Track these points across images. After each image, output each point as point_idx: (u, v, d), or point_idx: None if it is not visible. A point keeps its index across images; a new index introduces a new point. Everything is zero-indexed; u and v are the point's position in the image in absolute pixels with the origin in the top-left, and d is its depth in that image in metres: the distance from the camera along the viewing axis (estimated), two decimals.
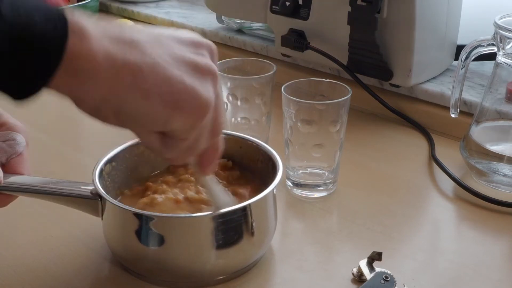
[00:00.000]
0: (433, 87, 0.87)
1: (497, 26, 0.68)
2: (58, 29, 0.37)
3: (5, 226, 0.65)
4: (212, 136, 0.47)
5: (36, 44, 0.36)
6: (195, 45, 0.44)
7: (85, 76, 0.38)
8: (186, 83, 0.41)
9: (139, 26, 0.43)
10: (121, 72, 0.39)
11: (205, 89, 0.42)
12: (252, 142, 0.65)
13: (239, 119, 0.77)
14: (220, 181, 0.61)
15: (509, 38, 0.68)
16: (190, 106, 0.42)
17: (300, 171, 0.70)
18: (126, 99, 0.40)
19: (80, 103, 0.41)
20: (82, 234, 0.63)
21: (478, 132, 0.73)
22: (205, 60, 0.44)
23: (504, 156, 0.70)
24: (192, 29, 1.18)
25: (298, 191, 0.71)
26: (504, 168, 0.70)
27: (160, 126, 0.42)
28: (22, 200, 0.57)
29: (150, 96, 0.40)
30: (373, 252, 0.56)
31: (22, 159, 0.56)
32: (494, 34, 0.69)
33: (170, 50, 0.42)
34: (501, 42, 0.69)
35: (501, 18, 0.69)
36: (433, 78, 0.90)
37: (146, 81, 0.40)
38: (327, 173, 0.70)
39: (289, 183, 0.71)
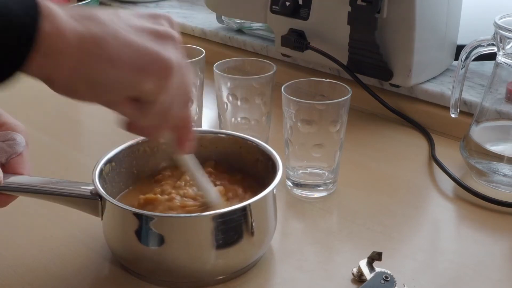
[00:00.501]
0: (433, 87, 0.87)
1: (497, 26, 0.68)
2: (30, 12, 0.39)
3: (5, 226, 0.65)
4: (183, 103, 0.49)
5: (10, 28, 0.39)
6: (152, 16, 0.48)
7: (57, 54, 0.41)
8: (148, 47, 0.44)
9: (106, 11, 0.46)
10: (88, 44, 0.42)
11: (166, 51, 0.45)
12: (252, 142, 0.65)
13: (239, 119, 0.77)
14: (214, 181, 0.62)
15: (509, 38, 0.68)
16: (155, 67, 0.44)
17: (300, 171, 0.70)
18: (95, 69, 0.42)
19: (53, 83, 0.43)
20: (82, 234, 0.63)
21: (478, 132, 0.73)
22: (163, 27, 0.47)
23: (504, 156, 0.70)
24: (192, 29, 1.18)
25: (298, 191, 0.71)
26: (504, 168, 0.70)
27: (130, 90, 0.45)
28: (22, 200, 0.57)
29: (116, 63, 0.43)
30: (373, 252, 0.56)
31: (22, 159, 0.56)
32: (494, 34, 0.69)
33: (129, 22, 0.45)
34: (501, 42, 0.69)
35: (501, 18, 0.69)
36: (433, 78, 0.90)
37: (111, 50, 0.42)
38: (327, 173, 0.70)
39: (289, 183, 0.71)
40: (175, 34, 0.47)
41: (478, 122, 0.74)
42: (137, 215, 0.54)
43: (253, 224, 0.55)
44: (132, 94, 0.45)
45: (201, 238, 0.54)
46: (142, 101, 0.45)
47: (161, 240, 0.54)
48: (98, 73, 0.43)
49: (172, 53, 0.45)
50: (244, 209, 0.55)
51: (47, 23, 0.40)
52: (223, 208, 0.55)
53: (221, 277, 0.56)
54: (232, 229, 0.54)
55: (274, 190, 0.58)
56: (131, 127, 0.48)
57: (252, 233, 0.56)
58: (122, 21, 0.44)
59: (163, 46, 0.45)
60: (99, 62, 0.42)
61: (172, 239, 0.54)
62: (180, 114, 0.50)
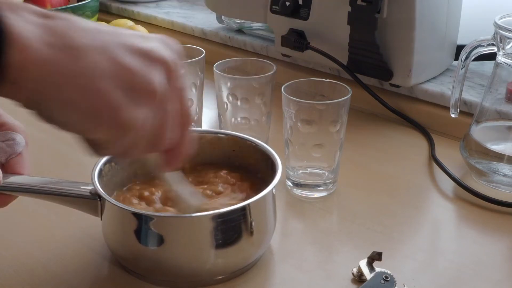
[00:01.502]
0: (433, 87, 0.87)
1: (497, 26, 0.68)
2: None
3: (5, 226, 0.64)
4: (179, 129, 0.46)
5: None
6: (148, 58, 0.42)
7: (14, 84, 0.38)
8: (111, 100, 0.40)
9: (96, 25, 0.42)
10: (45, 81, 0.39)
11: (134, 113, 0.41)
12: (251, 142, 0.65)
13: (239, 119, 0.77)
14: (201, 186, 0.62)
15: (509, 38, 0.68)
16: (107, 124, 0.41)
17: (300, 171, 0.70)
18: (49, 107, 0.40)
19: (32, 110, 0.41)
20: (82, 234, 0.63)
21: (478, 132, 0.73)
22: (151, 77, 0.42)
23: (504, 156, 0.70)
24: (192, 29, 1.18)
25: (298, 191, 0.71)
26: (504, 168, 0.70)
27: (87, 134, 0.43)
28: (22, 200, 0.57)
29: (67, 106, 0.40)
30: (373, 252, 0.56)
31: (22, 159, 0.56)
32: (494, 34, 0.69)
33: (113, 60, 0.41)
34: (501, 42, 0.69)
35: (501, 18, 0.69)
36: (433, 78, 0.90)
37: (66, 92, 0.39)
38: (327, 173, 0.70)
39: (289, 183, 0.71)
40: (162, 89, 0.43)
41: (478, 122, 0.74)
42: (136, 215, 0.54)
43: (253, 223, 0.55)
44: (90, 137, 0.43)
45: (201, 238, 0.54)
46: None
47: (161, 240, 0.54)
48: (53, 112, 0.40)
49: (138, 117, 0.42)
50: (243, 209, 0.55)
51: (15, 54, 0.37)
52: (208, 207, 0.55)
53: (221, 277, 0.56)
54: (232, 229, 0.54)
55: (274, 190, 0.58)
56: (101, 151, 0.45)
57: (251, 233, 0.56)
58: (104, 57, 0.40)
59: (135, 102, 0.41)
60: (52, 101, 0.40)
61: (171, 239, 0.54)
62: (171, 139, 0.46)
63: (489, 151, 0.71)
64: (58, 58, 0.39)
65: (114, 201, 0.55)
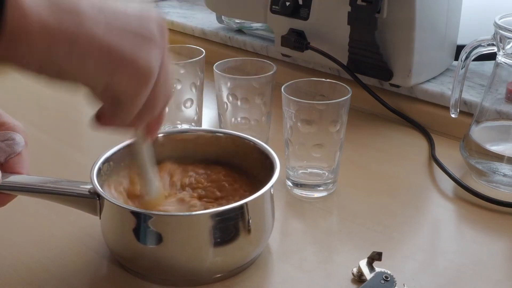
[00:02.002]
0: (433, 87, 0.87)
1: (497, 26, 0.68)
2: None
3: (5, 226, 0.64)
4: (162, 106, 0.49)
5: None
6: (142, 18, 0.45)
7: (21, 44, 0.39)
8: (125, 52, 0.42)
9: None
10: (56, 40, 0.40)
11: (146, 58, 0.44)
12: (250, 141, 0.65)
13: (239, 119, 0.77)
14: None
15: (509, 38, 0.68)
16: (129, 74, 0.43)
17: (300, 171, 0.70)
18: (62, 65, 0.41)
19: (22, 69, 0.42)
20: (81, 233, 0.63)
21: (478, 132, 0.73)
22: (149, 33, 0.44)
23: (504, 156, 0.70)
24: (192, 29, 1.18)
25: (298, 191, 0.71)
26: (504, 168, 0.70)
27: (100, 88, 0.44)
28: (22, 201, 0.57)
29: (85, 62, 0.41)
30: (373, 252, 0.56)
31: (21, 158, 0.56)
32: (494, 34, 0.69)
33: (113, 18, 0.42)
34: (501, 42, 0.69)
35: (501, 18, 0.69)
36: (433, 78, 0.90)
37: (81, 49, 0.41)
38: (327, 173, 0.70)
39: (289, 183, 0.71)
40: (161, 41, 0.45)
41: (478, 122, 0.74)
42: (134, 214, 0.54)
43: (250, 222, 0.56)
44: (104, 91, 0.44)
45: (199, 237, 0.54)
46: (118, 99, 0.45)
47: (159, 239, 0.54)
48: (65, 70, 0.41)
49: (152, 61, 0.44)
50: (241, 207, 0.55)
51: (11, 10, 0.38)
52: (160, 202, 0.57)
53: (219, 275, 0.56)
54: (230, 227, 0.54)
55: (271, 189, 0.58)
56: (101, 120, 0.48)
57: (249, 231, 0.56)
58: (105, 19, 0.42)
59: (144, 52, 0.44)
60: (67, 59, 0.41)
61: (170, 238, 0.54)
62: (157, 113, 0.49)
63: (489, 151, 0.71)
64: (60, 19, 0.40)
65: (112, 200, 0.55)
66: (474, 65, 0.89)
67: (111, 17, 0.42)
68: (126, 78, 0.43)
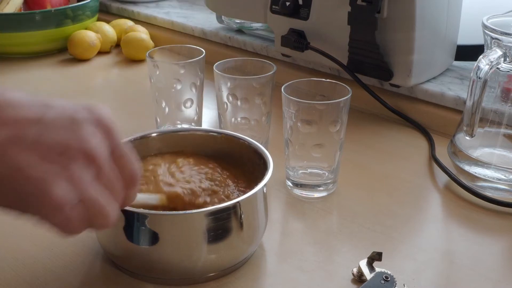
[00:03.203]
0: (433, 87, 0.87)
1: (484, 26, 0.68)
2: None
3: (5, 226, 0.64)
4: (126, 186, 0.46)
5: None
6: (65, 147, 0.41)
7: None
8: (30, 180, 0.40)
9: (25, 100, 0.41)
10: None
11: (52, 191, 0.40)
12: (244, 140, 0.65)
13: (239, 119, 0.77)
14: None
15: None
16: (35, 204, 0.41)
17: (300, 171, 0.70)
18: None
19: None
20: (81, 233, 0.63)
21: (461, 139, 0.73)
22: (64, 165, 0.41)
23: (490, 164, 0.70)
24: (192, 29, 1.18)
25: (298, 191, 0.71)
26: (490, 174, 0.70)
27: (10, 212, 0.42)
28: None
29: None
30: (373, 252, 0.56)
31: None
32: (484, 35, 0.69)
33: (29, 150, 0.40)
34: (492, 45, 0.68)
35: (488, 19, 0.69)
36: (433, 78, 0.90)
37: None
38: (327, 173, 0.70)
39: (289, 183, 0.71)
40: (77, 169, 0.41)
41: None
42: (126, 212, 0.54)
43: (243, 221, 0.56)
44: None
45: (192, 236, 0.54)
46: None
47: (152, 238, 0.54)
48: None
49: (61, 191, 0.41)
50: (234, 206, 0.55)
51: None
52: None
53: (213, 274, 0.56)
54: (222, 226, 0.55)
55: (264, 189, 0.58)
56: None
57: (242, 230, 0.56)
58: (26, 144, 0.40)
59: (56, 180, 0.40)
60: None
61: (163, 237, 0.54)
62: (101, 220, 0.44)
63: (472, 158, 0.71)
64: None
65: None
66: (471, 64, 0.89)
67: (27, 148, 0.40)
68: (37, 206, 0.41)
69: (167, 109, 0.82)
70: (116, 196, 0.45)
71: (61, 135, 0.41)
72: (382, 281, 0.54)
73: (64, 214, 0.41)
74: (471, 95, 0.66)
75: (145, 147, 0.65)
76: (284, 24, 0.96)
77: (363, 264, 0.56)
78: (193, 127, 0.82)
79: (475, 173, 0.70)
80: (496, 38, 0.67)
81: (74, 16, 1.18)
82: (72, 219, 0.42)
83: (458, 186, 0.71)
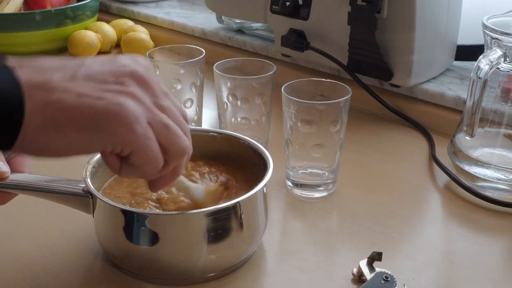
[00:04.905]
0: (433, 87, 0.87)
1: (484, 26, 0.68)
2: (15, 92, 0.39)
3: (5, 226, 0.64)
4: (173, 136, 0.47)
5: None
6: (115, 74, 0.44)
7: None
8: (97, 107, 0.42)
9: (62, 61, 0.43)
10: (32, 116, 0.40)
11: (120, 105, 0.42)
12: (244, 140, 0.65)
13: (239, 119, 0.77)
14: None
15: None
16: (114, 124, 0.42)
17: (300, 171, 0.70)
18: (42, 140, 0.41)
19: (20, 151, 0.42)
20: (81, 233, 0.63)
21: (461, 139, 0.73)
22: (122, 87, 0.43)
23: (491, 163, 0.70)
24: (192, 29, 1.18)
25: (298, 191, 0.71)
26: (490, 174, 0.70)
27: (89, 151, 0.44)
28: (22, 201, 0.57)
29: (62, 130, 0.41)
30: (373, 252, 0.56)
31: (22, 158, 0.56)
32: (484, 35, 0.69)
33: (84, 83, 0.42)
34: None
35: (488, 18, 0.69)
36: (433, 78, 0.90)
37: (55, 120, 0.41)
38: (327, 173, 0.70)
39: (289, 183, 0.71)
40: (134, 91, 0.44)
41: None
42: (125, 212, 0.54)
43: (243, 221, 0.56)
44: (106, 150, 0.44)
45: (192, 236, 0.54)
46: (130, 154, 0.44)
47: (152, 238, 0.54)
48: (46, 143, 0.41)
49: (125, 103, 0.43)
50: (234, 206, 0.55)
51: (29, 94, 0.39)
52: (210, 205, 0.56)
53: (213, 274, 0.56)
54: (222, 226, 0.55)
55: (264, 189, 0.58)
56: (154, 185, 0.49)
57: (242, 230, 0.56)
58: (76, 83, 0.42)
59: (116, 99, 0.42)
60: (45, 132, 0.41)
61: (162, 237, 0.54)
62: (177, 147, 0.47)
63: (472, 158, 0.71)
64: (34, 94, 0.40)
65: (104, 198, 0.55)
66: (470, 64, 0.89)
67: (81, 82, 0.42)
68: (113, 129, 0.42)
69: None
70: (183, 128, 0.47)
71: (107, 67, 0.44)
72: (382, 281, 0.54)
73: (142, 128, 0.43)
74: (471, 95, 0.66)
75: None
76: (284, 24, 0.96)
77: (363, 264, 0.56)
78: (193, 127, 0.82)
79: (475, 173, 0.70)
80: (496, 38, 0.67)
81: (74, 16, 1.18)
82: (151, 136, 0.44)
83: (458, 186, 0.71)
